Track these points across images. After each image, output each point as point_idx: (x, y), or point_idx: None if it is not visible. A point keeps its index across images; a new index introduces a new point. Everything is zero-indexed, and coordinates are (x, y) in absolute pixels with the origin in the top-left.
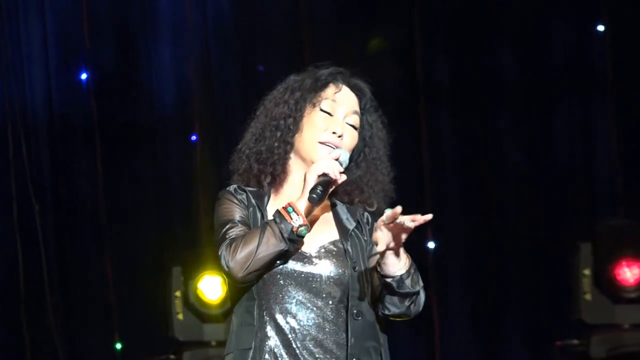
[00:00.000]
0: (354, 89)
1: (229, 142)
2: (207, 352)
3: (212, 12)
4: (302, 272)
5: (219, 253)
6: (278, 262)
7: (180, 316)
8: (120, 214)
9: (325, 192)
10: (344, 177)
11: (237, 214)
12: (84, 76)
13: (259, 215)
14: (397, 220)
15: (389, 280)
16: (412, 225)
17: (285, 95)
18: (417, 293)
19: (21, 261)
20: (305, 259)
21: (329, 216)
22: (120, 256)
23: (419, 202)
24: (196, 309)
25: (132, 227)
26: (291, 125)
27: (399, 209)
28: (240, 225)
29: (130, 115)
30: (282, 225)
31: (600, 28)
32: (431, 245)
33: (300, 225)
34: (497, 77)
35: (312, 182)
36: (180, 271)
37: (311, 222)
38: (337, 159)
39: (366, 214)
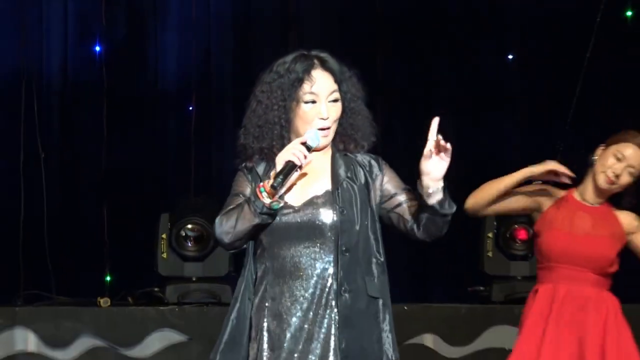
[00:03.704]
0: (326, 69)
1: (220, 113)
2: (188, 287)
3: (214, 9)
4: (288, 223)
5: (216, 220)
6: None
7: (165, 255)
8: (120, 169)
9: (287, 177)
10: (310, 158)
11: (244, 188)
12: (97, 49)
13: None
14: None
15: (434, 203)
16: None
17: (271, 98)
18: (451, 214)
19: (23, 200)
20: (292, 211)
21: (326, 166)
22: (117, 203)
23: None
24: (178, 250)
25: (130, 179)
26: (284, 122)
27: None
28: (242, 197)
29: (136, 86)
30: (257, 203)
31: (510, 57)
32: None
33: (272, 202)
34: (439, 85)
35: (279, 167)
36: (167, 217)
37: (308, 173)
38: (304, 143)
39: (359, 167)
